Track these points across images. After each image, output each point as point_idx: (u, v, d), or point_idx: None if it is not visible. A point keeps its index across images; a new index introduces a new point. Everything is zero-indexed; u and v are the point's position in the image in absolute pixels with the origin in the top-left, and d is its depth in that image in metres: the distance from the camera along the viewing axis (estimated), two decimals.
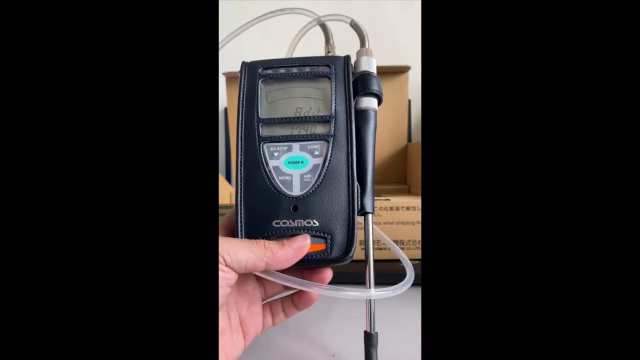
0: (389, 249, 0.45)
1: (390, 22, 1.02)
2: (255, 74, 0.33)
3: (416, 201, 0.53)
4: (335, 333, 0.38)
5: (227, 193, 0.76)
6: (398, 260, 0.35)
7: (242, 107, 0.32)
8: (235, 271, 0.26)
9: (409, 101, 0.90)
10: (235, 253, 0.26)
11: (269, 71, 0.33)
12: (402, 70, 0.83)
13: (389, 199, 0.53)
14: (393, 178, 0.87)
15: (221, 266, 0.25)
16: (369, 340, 0.29)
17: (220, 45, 0.36)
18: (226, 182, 0.85)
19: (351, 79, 0.32)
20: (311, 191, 0.29)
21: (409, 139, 0.93)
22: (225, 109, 0.96)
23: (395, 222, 0.52)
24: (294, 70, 0.33)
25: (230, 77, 0.79)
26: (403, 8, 1.02)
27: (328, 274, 0.31)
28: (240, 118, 0.32)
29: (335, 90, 0.32)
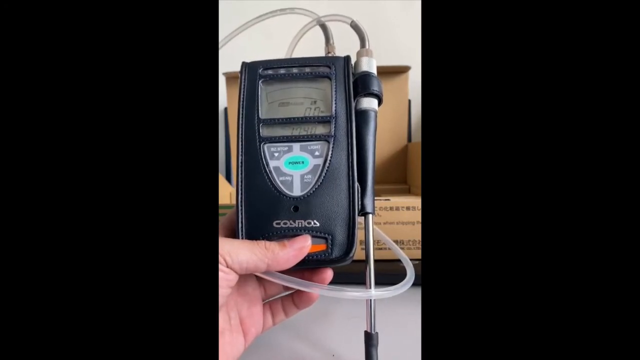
0: (389, 249, 0.45)
1: (390, 22, 1.02)
2: (255, 74, 0.33)
3: (416, 201, 0.52)
4: (336, 333, 0.38)
5: (227, 193, 0.76)
6: (398, 260, 0.35)
7: (243, 107, 0.32)
8: (236, 272, 0.26)
9: (409, 101, 0.89)
10: (237, 254, 0.26)
11: (269, 71, 0.33)
12: (402, 70, 0.83)
13: (389, 199, 0.53)
14: (393, 178, 0.87)
15: (222, 267, 0.25)
16: (370, 340, 0.29)
17: (219, 45, 0.36)
18: (226, 182, 0.85)
19: (351, 80, 0.32)
20: (312, 191, 0.29)
21: (409, 139, 0.93)
22: (225, 109, 0.96)
23: (395, 222, 0.52)
24: (294, 70, 0.33)
25: (230, 77, 0.79)
26: (403, 8, 1.02)
27: (329, 274, 0.31)
28: (240, 118, 0.31)
29: (336, 91, 0.32)
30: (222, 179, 0.80)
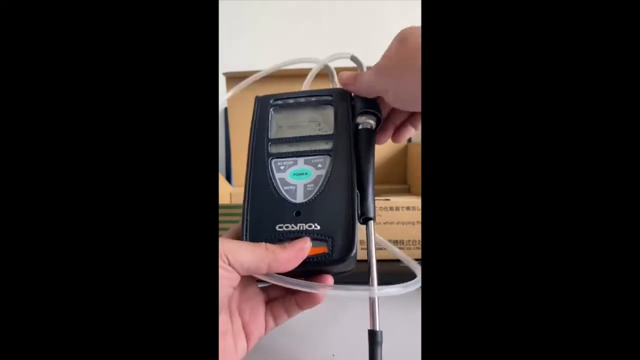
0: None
1: (391, 23, 1.02)
2: (267, 104, 0.37)
3: (416, 201, 0.53)
4: (336, 332, 0.38)
5: (227, 193, 0.76)
6: (397, 261, 0.35)
7: (255, 130, 0.36)
8: (237, 272, 0.26)
9: None
10: (238, 254, 0.26)
11: (279, 101, 0.37)
12: None
13: (389, 199, 0.53)
14: (393, 178, 0.87)
15: (225, 265, 0.26)
16: (374, 338, 0.29)
17: (227, 96, 0.43)
18: (226, 182, 0.85)
19: (350, 104, 0.36)
20: (313, 198, 0.31)
21: (409, 139, 0.92)
22: (225, 109, 0.96)
23: (395, 222, 0.52)
24: (302, 100, 0.37)
25: (230, 77, 0.79)
26: (403, 8, 1.02)
27: (329, 280, 0.31)
28: (252, 139, 0.35)
29: (337, 113, 0.35)
30: (222, 179, 0.80)
